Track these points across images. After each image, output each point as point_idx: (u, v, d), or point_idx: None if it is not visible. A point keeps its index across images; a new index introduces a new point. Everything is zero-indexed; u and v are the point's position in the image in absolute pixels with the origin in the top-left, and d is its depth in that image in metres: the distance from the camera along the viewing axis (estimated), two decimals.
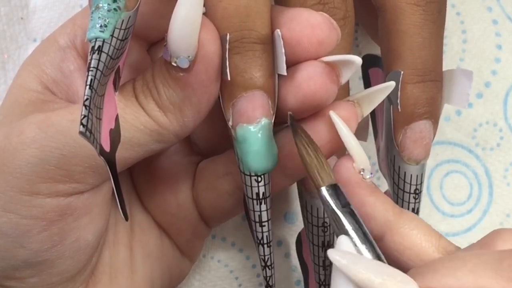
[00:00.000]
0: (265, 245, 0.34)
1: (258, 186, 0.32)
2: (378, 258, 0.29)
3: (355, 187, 0.31)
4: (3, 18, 0.45)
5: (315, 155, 0.30)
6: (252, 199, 0.32)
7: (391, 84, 0.33)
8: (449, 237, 0.45)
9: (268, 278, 0.35)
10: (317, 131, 0.32)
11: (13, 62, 0.45)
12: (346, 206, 0.30)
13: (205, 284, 0.45)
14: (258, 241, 0.34)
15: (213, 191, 0.37)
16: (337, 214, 0.29)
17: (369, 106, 0.33)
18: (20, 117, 0.32)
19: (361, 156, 0.32)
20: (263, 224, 0.33)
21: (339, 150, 0.33)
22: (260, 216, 0.33)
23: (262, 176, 0.32)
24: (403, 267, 0.31)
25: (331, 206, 0.30)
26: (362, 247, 0.29)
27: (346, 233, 0.29)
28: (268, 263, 0.34)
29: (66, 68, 0.34)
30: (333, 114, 0.32)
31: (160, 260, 0.38)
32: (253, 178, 0.32)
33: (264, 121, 0.31)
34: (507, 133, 0.46)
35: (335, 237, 0.30)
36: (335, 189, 0.30)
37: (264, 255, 0.34)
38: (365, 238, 0.29)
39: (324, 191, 0.30)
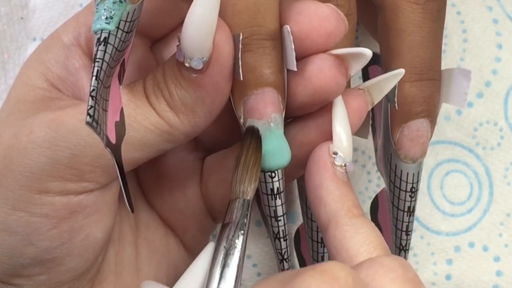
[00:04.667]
0: (282, 239, 0.34)
1: (273, 182, 0.32)
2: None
3: (320, 166, 0.31)
4: (3, 18, 0.45)
5: (244, 168, 0.31)
6: (267, 194, 0.32)
7: (401, 71, 0.33)
8: (450, 236, 0.45)
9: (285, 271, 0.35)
10: (327, 123, 0.32)
11: (13, 62, 0.45)
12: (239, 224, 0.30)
13: None
14: (275, 236, 0.34)
15: (223, 185, 0.37)
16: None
17: (379, 94, 0.33)
18: (27, 115, 0.32)
19: (342, 141, 0.32)
20: (279, 218, 0.33)
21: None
22: (275, 211, 0.33)
23: (276, 172, 0.32)
24: None
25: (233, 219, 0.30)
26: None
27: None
28: (285, 257, 0.35)
29: (71, 65, 0.34)
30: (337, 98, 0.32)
31: (166, 258, 0.38)
32: (267, 174, 0.32)
33: (275, 117, 0.31)
34: (507, 133, 0.46)
35: None
36: (245, 205, 0.30)
37: (281, 249, 0.34)
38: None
39: (233, 202, 0.30)
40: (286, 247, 0.34)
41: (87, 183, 0.31)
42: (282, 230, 0.33)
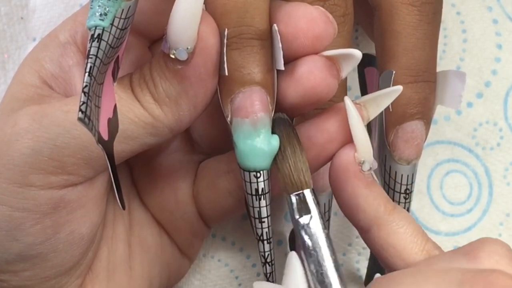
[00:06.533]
0: (265, 241, 0.34)
1: (257, 182, 0.32)
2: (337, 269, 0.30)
3: (351, 177, 0.32)
4: (3, 18, 0.45)
5: (289, 158, 0.31)
6: (251, 195, 0.32)
7: (399, 88, 0.33)
8: (449, 236, 0.45)
9: (268, 274, 0.35)
10: (326, 128, 0.32)
11: (13, 62, 0.45)
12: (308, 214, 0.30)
13: (205, 284, 0.45)
14: (258, 238, 0.34)
15: (213, 188, 0.37)
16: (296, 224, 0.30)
17: (375, 110, 0.33)
18: (17, 111, 0.32)
19: (365, 147, 0.32)
20: (263, 220, 0.33)
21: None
22: (259, 212, 0.33)
23: (261, 172, 0.32)
24: (385, 263, 0.31)
25: (293, 215, 0.30)
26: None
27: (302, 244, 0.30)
28: (268, 260, 0.34)
29: (65, 63, 0.34)
30: (347, 100, 0.32)
31: (159, 257, 0.38)
32: (252, 174, 0.32)
33: (262, 116, 0.30)
34: (507, 133, 0.46)
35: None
36: (305, 196, 0.31)
37: (264, 252, 0.34)
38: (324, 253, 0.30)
39: (291, 198, 0.31)
40: (270, 250, 0.34)
41: (70, 175, 0.31)
42: (266, 232, 0.33)
